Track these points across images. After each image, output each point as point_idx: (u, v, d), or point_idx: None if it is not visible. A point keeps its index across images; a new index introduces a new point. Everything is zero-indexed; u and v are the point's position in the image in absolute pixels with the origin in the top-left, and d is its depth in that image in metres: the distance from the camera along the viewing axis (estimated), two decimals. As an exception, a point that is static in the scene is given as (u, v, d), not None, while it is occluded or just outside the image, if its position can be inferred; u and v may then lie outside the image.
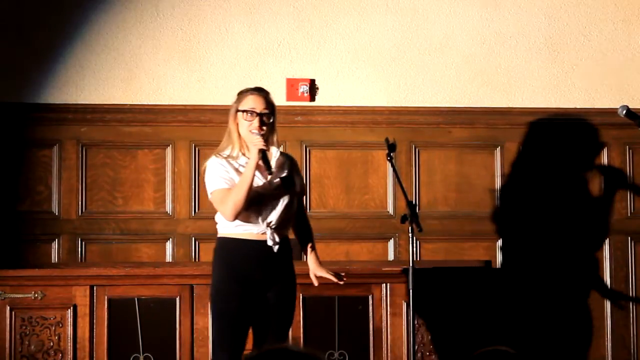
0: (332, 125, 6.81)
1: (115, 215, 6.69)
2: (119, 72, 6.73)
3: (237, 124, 5.07)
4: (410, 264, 5.09)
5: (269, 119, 5.05)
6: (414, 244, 5.15)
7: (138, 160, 6.74)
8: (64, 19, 6.71)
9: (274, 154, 5.11)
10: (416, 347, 5.82)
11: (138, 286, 5.94)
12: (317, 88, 6.83)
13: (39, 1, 6.71)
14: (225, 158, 5.07)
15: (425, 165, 6.87)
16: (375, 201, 6.66)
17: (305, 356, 2.46)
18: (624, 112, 5.80)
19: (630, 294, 6.86)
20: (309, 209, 6.76)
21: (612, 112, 6.44)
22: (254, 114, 5.02)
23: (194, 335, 5.94)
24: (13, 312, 5.88)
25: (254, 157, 4.97)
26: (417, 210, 5.20)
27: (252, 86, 5.22)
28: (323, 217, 6.74)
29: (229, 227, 5.06)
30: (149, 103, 6.74)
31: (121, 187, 6.72)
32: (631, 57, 6.99)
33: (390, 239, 6.74)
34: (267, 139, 5.03)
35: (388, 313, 5.91)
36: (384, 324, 5.97)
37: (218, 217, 5.13)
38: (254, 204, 5.00)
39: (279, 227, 5.07)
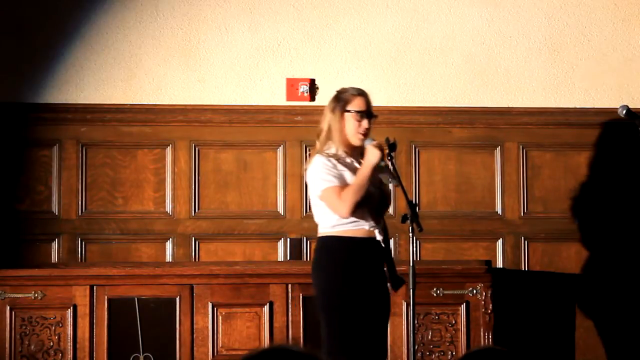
0: (332, 125, 6.80)
1: (115, 215, 6.69)
2: (119, 72, 6.73)
3: (344, 124, 5.20)
4: (411, 264, 5.09)
5: (374, 120, 5.27)
6: (414, 244, 5.15)
7: (138, 160, 6.74)
8: (64, 19, 6.71)
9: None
10: (416, 347, 5.82)
11: (138, 286, 5.95)
12: (317, 88, 6.83)
13: (39, 1, 6.71)
14: (332, 156, 5.19)
15: (425, 165, 6.87)
16: (375, 201, 6.65)
17: (305, 356, 2.46)
18: (624, 112, 5.80)
19: None
20: (309, 209, 6.76)
21: (612, 112, 6.45)
22: (364, 115, 5.19)
23: (194, 335, 5.94)
24: (13, 312, 5.88)
25: (374, 158, 5.10)
26: (417, 210, 5.19)
27: (350, 87, 5.37)
28: (323, 217, 6.73)
29: (339, 225, 5.15)
30: (149, 103, 6.74)
31: (121, 187, 6.71)
32: (631, 57, 6.98)
33: (391, 238, 6.74)
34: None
35: (388, 313, 5.90)
36: (384, 323, 5.96)
37: (323, 216, 5.19)
38: (366, 200, 5.14)
39: (382, 223, 5.21)
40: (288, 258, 6.66)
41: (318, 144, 5.24)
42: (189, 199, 6.74)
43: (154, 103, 6.74)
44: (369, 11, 6.88)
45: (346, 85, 6.82)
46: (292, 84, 6.81)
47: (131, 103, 6.73)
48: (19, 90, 6.66)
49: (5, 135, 6.65)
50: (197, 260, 6.66)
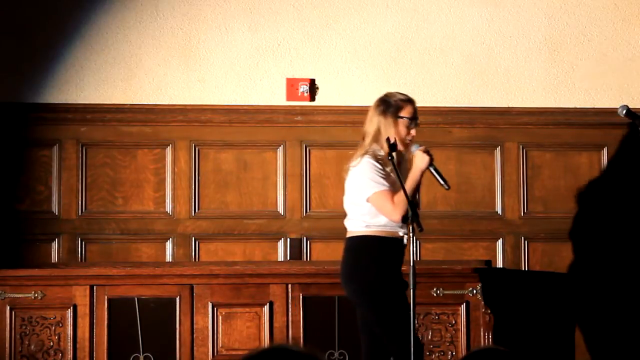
0: (332, 125, 6.81)
1: (115, 215, 6.69)
2: (119, 72, 6.73)
3: (398, 129, 5.29)
4: (411, 264, 5.09)
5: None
6: (414, 244, 5.15)
7: (138, 160, 6.74)
8: (64, 19, 6.71)
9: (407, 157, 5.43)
10: (416, 347, 5.81)
11: (138, 286, 5.95)
12: (317, 88, 6.83)
13: (39, 1, 6.71)
14: (381, 158, 5.27)
15: (425, 165, 6.87)
16: (375, 201, 6.65)
17: (305, 356, 2.46)
18: (624, 112, 5.80)
19: None
20: (309, 209, 6.77)
21: (612, 112, 6.45)
22: (413, 122, 5.32)
23: (194, 335, 5.94)
24: (13, 312, 5.88)
25: (423, 163, 5.24)
26: (418, 210, 5.20)
27: (396, 92, 5.45)
28: (323, 217, 6.74)
29: (374, 225, 5.25)
30: (149, 103, 6.74)
31: (121, 187, 6.71)
32: (631, 57, 6.99)
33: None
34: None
35: (388, 313, 5.90)
36: (384, 323, 5.96)
37: (361, 216, 5.26)
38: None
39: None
40: (288, 258, 6.66)
41: (363, 146, 5.29)
42: (189, 199, 6.74)
43: (154, 103, 6.74)
44: (369, 11, 6.88)
45: (346, 85, 6.84)
46: (292, 84, 6.81)
47: (131, 103, 6.73)
48: (19, 90, 6.66)
49: (5, 135, 6.65)
50: (197, 260, 6.66)
